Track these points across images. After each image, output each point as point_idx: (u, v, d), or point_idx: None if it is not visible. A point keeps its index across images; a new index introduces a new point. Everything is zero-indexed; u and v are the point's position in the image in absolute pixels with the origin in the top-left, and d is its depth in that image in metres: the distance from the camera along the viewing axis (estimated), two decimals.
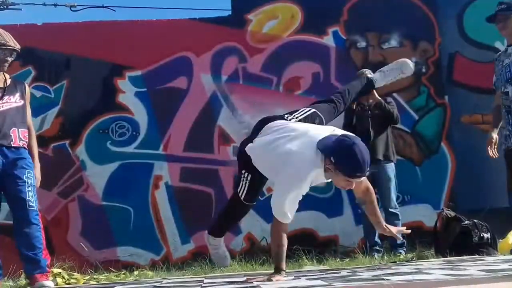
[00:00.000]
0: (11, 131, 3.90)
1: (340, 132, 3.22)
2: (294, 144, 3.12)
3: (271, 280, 3.01)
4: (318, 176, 3.15)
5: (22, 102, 4.04)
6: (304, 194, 3.11)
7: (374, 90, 5.51)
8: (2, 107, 3.92)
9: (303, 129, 3.24)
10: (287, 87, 6.25)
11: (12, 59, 3.99)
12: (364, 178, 3.20)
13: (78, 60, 6.20)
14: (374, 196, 3.40)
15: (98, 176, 6.05)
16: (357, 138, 3.10)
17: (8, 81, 4.02)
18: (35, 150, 4.15)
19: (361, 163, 2.98)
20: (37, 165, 4.10)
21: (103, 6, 11.10)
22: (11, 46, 3.91)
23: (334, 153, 3.00)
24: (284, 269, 3.16)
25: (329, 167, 3.05)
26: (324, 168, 3.08)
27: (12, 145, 3.88)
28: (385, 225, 3.37)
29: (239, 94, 6.21)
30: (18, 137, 3.92)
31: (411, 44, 6.34)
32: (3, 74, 4.00)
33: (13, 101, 3.98)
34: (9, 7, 11.89)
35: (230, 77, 6.24)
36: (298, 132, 3.21)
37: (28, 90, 4.17)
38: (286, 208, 3.07)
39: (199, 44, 6.24)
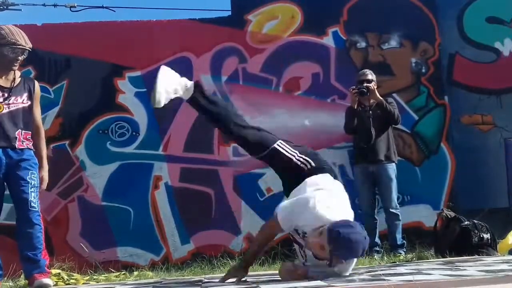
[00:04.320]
0: (16, 132, 3.88)
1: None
2: None
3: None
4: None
5: (29, 102, 3.96)
6: None
7: (376, 90, 5.53)
8: (8, 108, 3.87)
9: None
10: (287, 88, 6.25)
11: (24, 57, 3.95)
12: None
13: (78, 60, 6.19)
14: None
15: (98, 176, 6.05)
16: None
17: (18, 80, 3.95)
18: (44, 151, 4.07)
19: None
20: (45, 167, 4.04)
21: (103, 7, 11.12)
22: (22, 46, 3.88)
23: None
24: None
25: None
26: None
27: (17, 147, 3.88)
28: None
29: (239, 95, 6.20)
30: (21, 139, 3.91)
31: (411, 45, 6.33)
32: (13, 73, 3.96)
33: (20, 101, 3.94)
34: (9, 7, 11.89)
35: (230, 78, 6.23)
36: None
37: (37, 88, 4.06)
38: None
39: (199, 45, 6.24)
